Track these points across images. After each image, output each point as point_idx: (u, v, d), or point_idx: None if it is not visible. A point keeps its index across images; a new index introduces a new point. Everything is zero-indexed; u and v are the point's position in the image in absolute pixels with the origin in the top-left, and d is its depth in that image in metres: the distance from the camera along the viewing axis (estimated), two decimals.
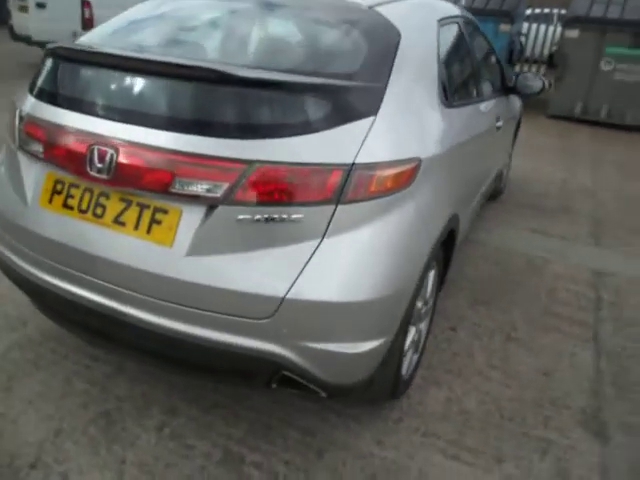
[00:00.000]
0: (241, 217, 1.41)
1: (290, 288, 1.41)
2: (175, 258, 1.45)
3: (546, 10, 9.06)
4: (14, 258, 1.78)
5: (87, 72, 1.61)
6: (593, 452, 1.89)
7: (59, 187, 1.62)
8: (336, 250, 1.44)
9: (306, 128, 1.43)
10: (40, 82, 1.73)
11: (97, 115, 1.53)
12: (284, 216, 1.41)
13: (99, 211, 1.55)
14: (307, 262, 1.42)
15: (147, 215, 1.49)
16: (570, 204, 4.44)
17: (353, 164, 1.44)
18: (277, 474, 1.71)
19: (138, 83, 1.51)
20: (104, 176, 1.48)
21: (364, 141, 1.48)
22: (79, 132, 1.53)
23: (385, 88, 1.65)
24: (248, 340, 1.47)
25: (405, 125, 1.65)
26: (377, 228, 1.49)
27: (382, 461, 1.79)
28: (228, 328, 1.47)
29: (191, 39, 1.90)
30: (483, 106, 2.63)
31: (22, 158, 1.71)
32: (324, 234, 1.43)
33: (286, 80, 1.47)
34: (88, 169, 1.51)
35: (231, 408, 1.96)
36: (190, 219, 1.45)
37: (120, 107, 1.52)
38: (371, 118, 1.54)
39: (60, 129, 1.58)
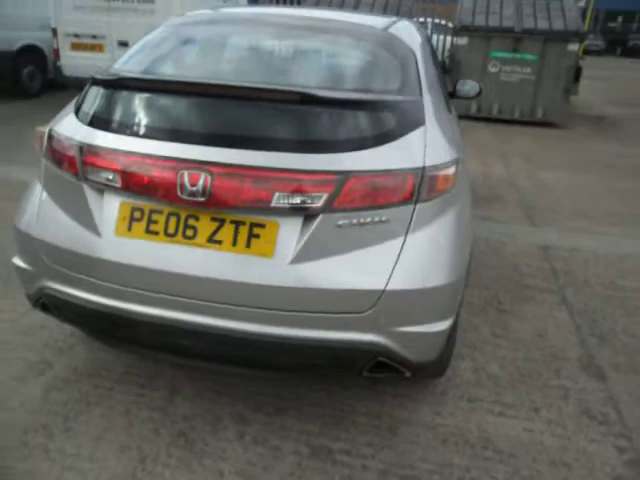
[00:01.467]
0: (340, 222, 1.57)
1: (388, 281, 1.59)
2: (279, 267, 1.57)
3: (436, 20, 9.94)
4: (77, 292, 1.76)
5: (166, 101, 1.67)
6: (600, 390, 2.28)
7: (137, 214, 1.65)
8: (419, 244, 1.65)
9: (383, 139, 1.63)
10: (106, 113, 1.73)
11: (184, 141, 1.59)
12: (376, 218, 1.59)
13: (190, 233, 1.61)
14: (398, 256, 1.62)
15: (244, 231, 1.59)
16: (498, 193, 5.01)
17: (424, 167, 1.66)
18: (366, 455, 1.87)
19: (228, 108, 1.61)
20: (199, 199, 1.56)
21: (425, 147, 1.71)
22: (165, 159, 1.59)
23: (422, 100, 1.89)
24: (350, 333, 1.63)
25: (443, 130, 1.91)
26: (445, 221, 1.72)
27: (446, 428, 2.02)
28: (331, 325, 1.62)
29: (243, 63, 2.01)
30: (454, 111, 2.98)
31: (87, 190, 1.71)
32: (407, 230, 1.64)
33: (368, 99, 1.66)
34: (179, 194, 1.57)
35: (296, 408, 2.07)
36: (288, 229, 1.58)
37: (211, 132, 1.60)
38: (423, 127, 1.77)
39: (141, 158, 1.61)
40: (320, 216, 1.56)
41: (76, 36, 7.20)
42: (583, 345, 2.60)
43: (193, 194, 1.56)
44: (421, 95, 1.91)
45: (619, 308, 2.96)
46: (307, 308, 1.60)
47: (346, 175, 1.56)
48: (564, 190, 5.17)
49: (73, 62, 7.23)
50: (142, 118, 1.67)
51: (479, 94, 3.75)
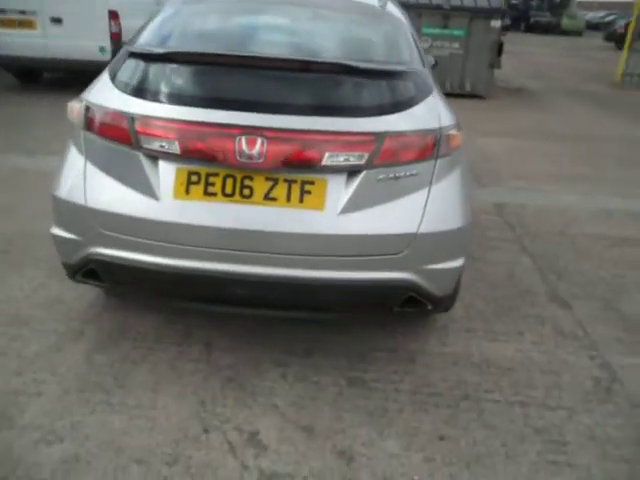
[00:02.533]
0: (380, 177, 1.82)
1: (419, 225, 1.87)
2: (330, 218, 1.80)
3: None
4: (133, 255, 1.89)
5: (220, 73, 1.82)
6: (568, 315, 2.73)
7: (194, 178, 1.81)
8: (440, 193, 1.94)
9: (409, 104, 1.90)
10: (161, 86, 1.84)
11: (240, 109, 1.76)
12: (407, 172, 1.86)
13: (246, 192, 1.80)
14: (425, 204, 1.90)
15: (296, 188, 1.80)
16: None
17: (440, 128, 1.94)
18: (394, 381, 2.17)
19: (279, 79, 1.80)
20: (256, 161, 1.74)
21: (439, 111, 1.99)
22: (223, 126, 1.75)
23: (427, 70, 2.16)
24: (387, 273, 1.90)
25: (443, 96, 2.19)
26: (456, 175, 2.02)
27: (454, 354, 2.36)
28: (372, 266, 1.88)
29: (268, 36, 2.18)
30: None
31: (142, 158, 1.83)
32: (431, 182, 1.92)
33: (398, 70, 1.90)
34: (237, 157, 1.75)
35: (323, 349, 2.33)
36: (335, 185, 1.81)
37: (264, 100, 1.79)
38: (433, 93, 2.05)
39: (199, 126, 1.76)
40: (363, 172, 1.81)
41: (1, 11, 6.75)
42: (546, 282, 3.04)
43: (250, 157, 1.74)
44: (424, 66, 2.18)
45: (568, 251, 3.45)
46: (353, 252, 1.84)
47: (383, 136, 1.80)
48: (501, 155, 5.71)
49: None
50: (198, 89, 1.82)
51: (435, 66, 4.08)
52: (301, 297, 1.93)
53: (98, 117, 1.90)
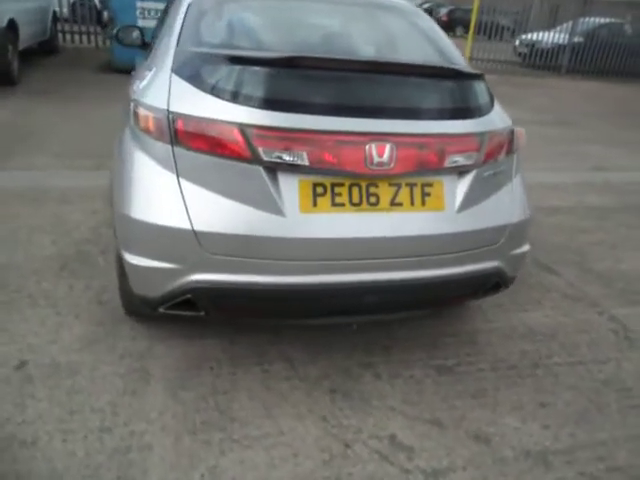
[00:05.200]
0: (485, 174, 1.93)
1: (512, 216, 2.03)
2: (450, 217, 1.87)
3: None
4: (249, 277, 1.76)
5: (342, 79, 1.74)
6: (562, 281, 3.13)
7: (319, 190, 1.73)
8: (519, 185, 2.12)
9: (493, 104, 2.03)
10: (277, 94, 1.70)
11: (367, 116, 1.72)
12: (500, 168, 2.00)
13: (373, 200, 1.78)
14: (512, 196, 2.06)
15: (417, 191, 1.83)
16: None
17: (511, 126, 2.11)
18: (472, 362, 2.32)
19: (399, 84, 1.78)
20: (385, 168, 1.73)
21: (501, 111, 2.15)
22: (352, 134, 1.70)
23: None
24: (486, 263, 2.04)
25: None
26: (520, 169, 2.21)
27: (501, 329, 2.59)
28: (477, 259, 2.00)
29: (336, 40, 2.10)
30: None
31: (263, 172, 1.69)
32: (512, 176, 2.09)
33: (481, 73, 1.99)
34: (367, 165, 1.72)
35: (396, 345, 2.38)
36: (450, 185, 1.88)
37: (388, 106, 1.77)
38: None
39: (328, 135, 1.68)
40: (473, 171, 1.90)
41: None
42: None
43: (380, 164, 1.73)
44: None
45: None
46: (466, 247, 1.94)
47: (486, 135, 1.91)
48: None
49: None
50: (322, 96, 1.72)
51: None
52: (419, 296, 1.98)
53: (197, 129, 1.70)
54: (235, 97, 1.70)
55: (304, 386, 2.09)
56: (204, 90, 1.74)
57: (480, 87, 1.98)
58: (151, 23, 7.94)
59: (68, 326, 2.30)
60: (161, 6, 8.21)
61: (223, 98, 1.71)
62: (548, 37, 13.55)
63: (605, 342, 2.57)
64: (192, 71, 1.80)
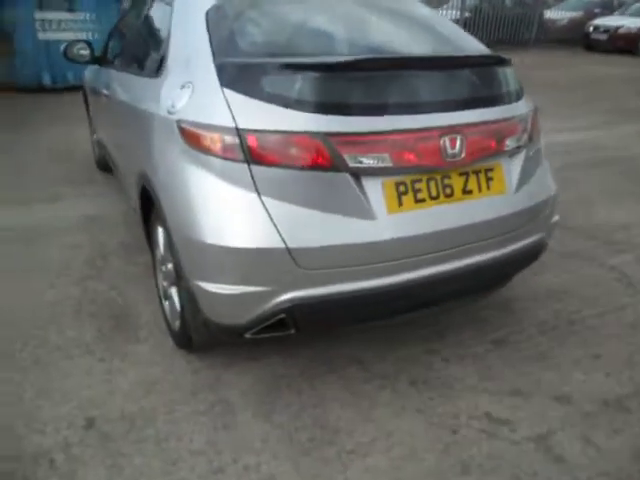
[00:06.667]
0: (530, 154, 2.04)
1: (550, 189, 2.18)
2: (511, 198, 1.97)
3: None
4: (342, 286, 1.75)
5: (410, 77, 1.75)
6: (553, 239, 3.38)
7: (402, 188, 1.75)
8: (547, 161, 2.25)
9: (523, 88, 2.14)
10: (348, 97, 1.67)
11: (436, 111, 1.76)
12: (538, 146, 2.12)
13: (448, 191, 1.82)
14: (546, 170, 2.20)
15: (482, 177, 1.90)
16: None
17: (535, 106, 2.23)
18: (523, 329, 2.46)
19: (458, 77, 1.84)
20: (458, 159, 1.78)
21: None
22: (428, 130, 1.73)
23: None
24: (535, 235, 2.16)
25: None
26: None
27: (524, 294, 2.76)
28: (530, 232, 2.11)
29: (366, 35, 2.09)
30: None
31: (350, 178, 1.66)
32: (542, 152, 2.22)
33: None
34: (443, 158, 1.75)
35: (448, 329, 2.46)
36: (507, 167, 1.97)
37: (451, 99, 1.81)
38: None
39: (406, 134, 1.70)
40: (523, 151, 2.00)
41: None
42: None
43: (454, 155, 1.77)
44: None
45: None
46: (522, 224, 2.04)
47: (527, 117, 2.02)
48: None
49: None
50: (393, 96, 1.71)
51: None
52: (488, 277, 2.06)
53: (274, 144, 1.63)
54: (311, 107, 1.65)
55: (385, 383, 2.11)
56: (272, 103, 1.67)
57: (513, 72, 2.08)
58: (55, 36, 7.35)
59: (118, 371, 2.13)
60: (65, 17, 7.61)
61: (298, 109, 1.65)
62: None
63: (614, 291, 2.82)
64: (252, 84, 1.71)
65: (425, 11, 2.46)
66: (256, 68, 1.74)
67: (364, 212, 1.70)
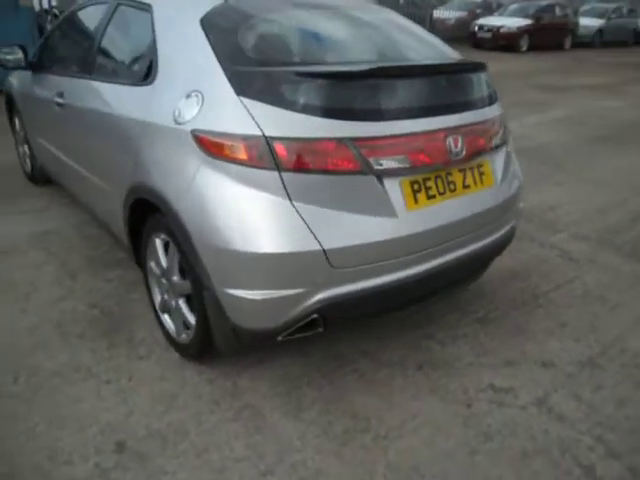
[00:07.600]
0: (507, 149, 2.28)
1: (520, 178, 2.44)
2: (498, 189, 2.18)
3: None
4: (368, 282, 1.85)
5: (419, 83, 1.88)
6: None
7: (416, 187, 1.89)
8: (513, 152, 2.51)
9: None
10: (367, 103, 1.76)
11: (441, 113, 1.91)
12: (509, 140, 2.37)
13: (452, 187, 2.00)
14: (515, 161, 2.45)
15: (476, 173, 2.09)
16: None
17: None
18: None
19: (453, 82, 2.03)
20: (460, 157, 1.96)
21: None
22: (437, 132, 1.88)
23: None
24: (512, 221, 2.41)
25: None
26: None
27: (491, 277, 3.03)
28: (509, 219, 2.35)
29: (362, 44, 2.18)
30: None
31: (375, 180, 1.76)
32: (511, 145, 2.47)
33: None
34: (449, 156, 1.92)
35: (437, 315, 2.65)
36: (493, 162, 2.18)
37: (451, 102, 1.96)
38: None
39: (421, 135, 1.84)
40: (504, 147, 2.23)
41: None
42: None
43: (457, 154, 1.95)
44: None
45: None
46: (505, 212, 2.27)
47: (502, 117, 2.25)
48: None
49: None
50: (407, 101, 1.85)
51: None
52: (480, 262, 2.28)
53: (302, 151, 1.69)
54: (335, 113, 1.72)
55: (395, 370, 2.24)
56: (296, 110, 1.71)
57: (487, 76, 2.30)
58: None
59: (131, 391, 2.06)
60: None
61: (323, 116, 1.71)
62: None
63: (561, 266, 3.19)
64: (274, 92, 1.74)
65: (405, 21, 2.62)
66: (278, 77, 1.77)
67: (387, 210, 1.81)
